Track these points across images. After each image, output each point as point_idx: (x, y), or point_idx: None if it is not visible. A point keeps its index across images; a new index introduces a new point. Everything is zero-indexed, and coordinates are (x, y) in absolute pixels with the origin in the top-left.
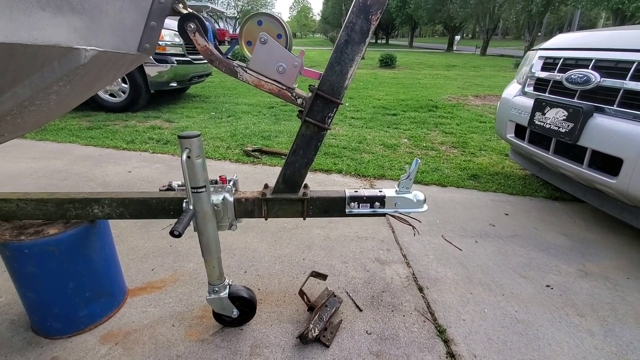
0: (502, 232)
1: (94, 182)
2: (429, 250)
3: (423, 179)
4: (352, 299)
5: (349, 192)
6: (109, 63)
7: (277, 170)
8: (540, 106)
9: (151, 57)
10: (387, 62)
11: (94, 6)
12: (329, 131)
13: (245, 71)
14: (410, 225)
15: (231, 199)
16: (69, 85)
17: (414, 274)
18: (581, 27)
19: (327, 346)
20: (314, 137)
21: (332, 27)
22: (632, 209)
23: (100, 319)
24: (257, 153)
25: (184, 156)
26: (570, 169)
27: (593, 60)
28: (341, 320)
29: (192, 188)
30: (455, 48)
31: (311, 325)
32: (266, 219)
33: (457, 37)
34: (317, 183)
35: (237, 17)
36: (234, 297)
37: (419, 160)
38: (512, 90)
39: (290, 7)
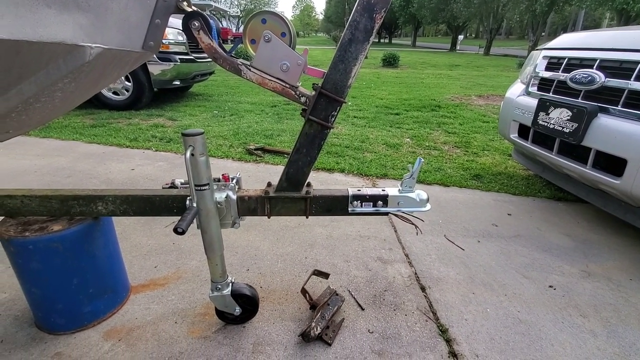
0: (504, 232)
1: (98, 179)
2: (431, 249)
3: (425, 179)
4: (354, 298)
5: (351, 191)
6: (113, 60)
7: (280, 168)
8: (544, 106)
9: (154, 56)
10: (390, 62)
11: (99, 3)
12: (332, 130)
13: (249, 69)
14: (413, 224)
15: (234, 196)
16: (74, 82)
17: (416, 273)
18: (585, 27)
19: (329, 344)
20: (317, 135)
21: (335, 26)
22: (635, 209)
23: (104, 315)
24: (259, 152)
25: (188, 154)
26: (574, 169)
27: (597, 61)
28: (343, 318)
29: (195, 186)
30: (458, 47)
31: (313, 324)
32: (269, 217)
33: (461, 37)
34: (320, 182)
35: (240, 15)
36: (237, 295)
37: (422, 160)
38: (515, 90)
39: (294, 6)
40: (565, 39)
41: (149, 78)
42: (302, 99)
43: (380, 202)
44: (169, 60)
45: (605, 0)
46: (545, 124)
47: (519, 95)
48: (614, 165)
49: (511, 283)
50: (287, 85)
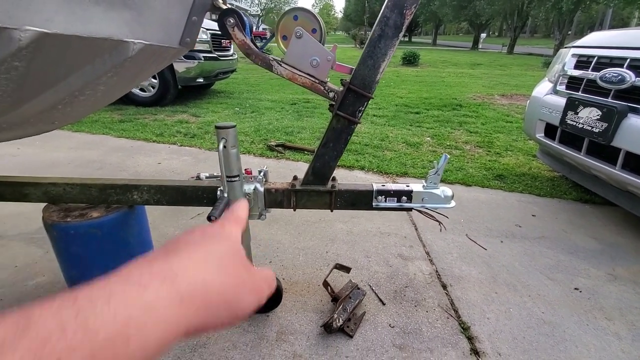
0: (528, 233)
1: (127, 172)
2: (452, 248)
3: (446, 178)
4: (375, 293)
5: (376, 186)
6: (152, 56)
7: (300, 165)
8: (572, 105)
9: None
10: (410, 60)
11: (143, 1)
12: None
13: (280, 65)
14: (437, 221)
15: (262, 189)
16: (116, 76)
17: (437, 271)
18: (613, 26)
19: (351, 336)
20: (344, 130)
21: (354, 24)
22: None
23: None
24: (280, 148)
25: (221, 146)
26: (603, 170)
27: (628, 60)
28: (364, 312)
29: (227, 177)
30: (480, 46)
31: (335, 315)
32: (294, 210)
33: (483, 35)
34: (340, 179)
35: (261, 14)
36: None
37: (448, 156)
38: (542, 89)
39: (313, 5)
40: (594, 37)
41: (174, 75)
42: (331, 94)
43: (404, 198)
44: (193, 58)
45: None
46: (574, 123)
47: (546, 93)
48: None
49: (535, 284)
50: (316, 81)
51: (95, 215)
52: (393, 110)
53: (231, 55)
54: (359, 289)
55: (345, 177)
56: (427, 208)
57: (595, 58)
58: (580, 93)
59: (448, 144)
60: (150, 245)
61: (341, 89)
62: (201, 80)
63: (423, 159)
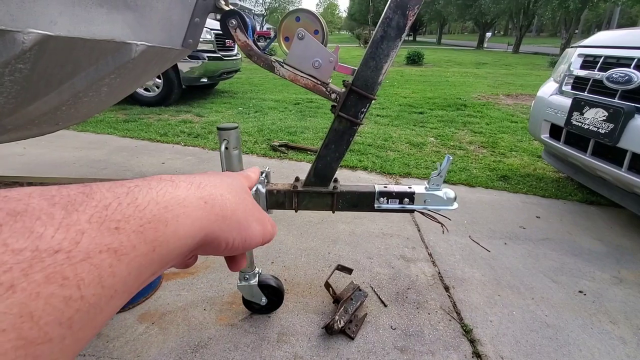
0: (532, 235)
1: (131, 172)
2: (455, 250)
3: (450, 179)
4: (376, 294)
5: (378, 188)
6: (155, 57)
7: (303, 165)
8: (578, 106)
9: None
10: (414, 60)
11: (145, 3)
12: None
13: (282, 66)
14: (439, 222)
15: (264, 190)
16: (119, 78)
17: (439, 272)
18: (620, 25)
19: (352, 338)
20: (347, 131)
21: (358, 24)
22: None
23: (139, 299)
24: (283, 148)
25: (223, 147)
26: (609, 171)
27: (635, 60)
28: (366, 314)
29: None
30: (485, 45)
31: (337, 317)
32: (296, 211)
33: (488, 34)
34: (342, 179)
35: (265, 14)
36: (263, 286)
37: (451, 157)
38: (548, 89)
39: (317, 4)
40: (601, 37)
41: (178, 75)
42: (333, 96)
43: (406, 199)
44: (197, 58)
45: None
46: (579, 124)
47: (552, 94)
48: None
49: (539, 287)
50: (318, 82)
51: None
52: (397, 110)
53: (235, 55)
54: (360, 290)
55: (348, 178)
56: (429, 210)
57: (602, 58)
58: (586, 93)
59: (452, 144)
60: None
61: (343, 90)
62: (205, 80)
63: (427, 159)
